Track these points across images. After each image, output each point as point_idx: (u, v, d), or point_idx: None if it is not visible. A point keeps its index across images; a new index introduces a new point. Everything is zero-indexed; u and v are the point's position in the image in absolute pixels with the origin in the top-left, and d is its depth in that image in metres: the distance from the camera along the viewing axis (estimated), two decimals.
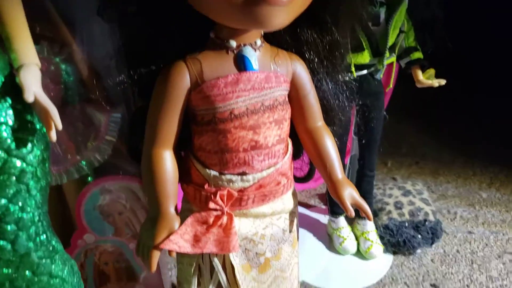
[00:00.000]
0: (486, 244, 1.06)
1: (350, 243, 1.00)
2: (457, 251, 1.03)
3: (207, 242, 0.52)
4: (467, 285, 0.93)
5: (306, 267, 0.96)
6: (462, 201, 1.24)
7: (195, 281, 0.59)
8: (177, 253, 0.62)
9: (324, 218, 1.13)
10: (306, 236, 1.07)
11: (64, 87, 0.55)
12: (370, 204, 1.00)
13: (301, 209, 1.18)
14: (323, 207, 1.20)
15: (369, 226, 1.01)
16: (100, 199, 0.62)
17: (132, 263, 0.68)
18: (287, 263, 0.62)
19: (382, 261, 0.99)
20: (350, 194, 0.56)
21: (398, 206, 1.05)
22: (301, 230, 1.07)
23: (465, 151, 1.52)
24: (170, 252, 0.51)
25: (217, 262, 0.57)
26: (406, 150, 1.55)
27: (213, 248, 0.53)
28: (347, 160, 1.06)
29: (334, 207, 1.02)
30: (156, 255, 0.50)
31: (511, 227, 1.13)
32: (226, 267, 0.58)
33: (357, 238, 1.02)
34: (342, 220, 1.03)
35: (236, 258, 0.57)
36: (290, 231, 0.62)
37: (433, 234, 1.01)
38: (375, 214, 1.06)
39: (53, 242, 0.47)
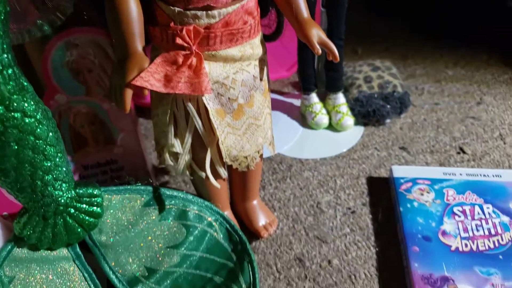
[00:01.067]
0: (451, 112, 1.11)
1: (322, 117, 1.03)
2: (424, 119, 1.08)
3: (178, 82, 0.53)
4: (432, 146, 0.99)
5: (280, 143, 1.00)
6: (429, 79, 1.28)
7: (171, 130, 0.61)
8: (152, 104, 0.64)
9: (297, 102, 1.16)
10: (280, 117, 1.10)
11: None
12: (340, 77, 1.03)
13: (275, 95, 1.20)
14: (296, 93, 1.22)
15: (340, 100, 1.04)
16: (67, 54, 0.62)
17: (108, 125, 0.69)
18: (260, 111, 0.64)
19: (353, 132, 1.03)
20: (316, 33, 0.57)
21: (368, 80, 1.08)
22: (275, 112, 1.10)
23: (434, 37, 1.54)
24: (143, 90, 0.51)
25: (191, 107, 0.58)
26: (377, 39, 1.55)
27: (185, 89, 0.54)
28: None
29: (306, 83, 1.04)
30: (128, 94, 0.51)
31: (473, 97, 1.18)
32: (200, 112, 0.60)
33: (329, 113, 1.05)
34: (314, 96, 1.06)
35: (209, 102, 0.59)
36: (261, 79, 0.63)
37: (401, 103, 1.05)
38: (346, 89, 1.08)
39: (22, 80, 0.47)
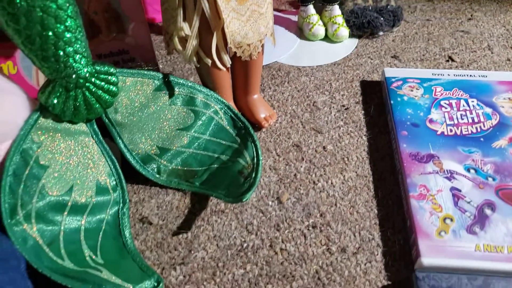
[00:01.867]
0: (442, 27, 1.15)
1: (319, 28, 1.07)
2: (416, 33, 1.13)
3: None
4: (423, 55, 1.04)
5: (278, 52, 1.04)
6: None
7: (180, 13, 0.65)
8: None
9: (294, 18, 1.19)
10: (278, 30, 1.13)
11: None
12: None
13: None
14: (294, 10, 1.25)
15: (336, 11, 1.08)
16: None
17: (120, 14, 0.72)
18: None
19: (348, 44, 1.08)
20: None
21: None
22: None
23: None
24: None
25: None
26: None
27: None
28: None
29: None
30: None
31: (464, 14, 1.21)
32: None
33: (325, 25, 1.09)
34: (311, 8, 1.09)
35: None
36: None
37: (394, 16, 1.09)
38: (341, 3, 1.11)
39: None
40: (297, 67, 1.00)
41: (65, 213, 0.59)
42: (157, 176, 0.71)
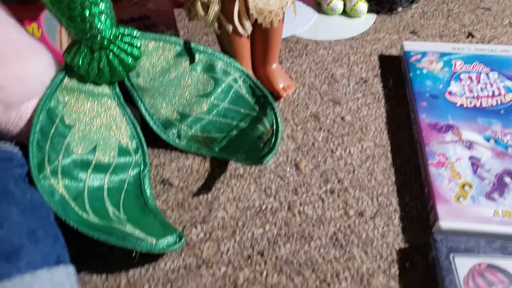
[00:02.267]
0: (462, 4, 1.14)
1: (337, 3, 1.06)
2: (435, 9, 1.12)
3: None
4: (442, 31, 1.03)
5: (296, 27, 1.04)
6: None
7: None
8: None
9: None
10: (296, 5, 1.13)
11: None
12: None
13: None
14: None
15: None
16: None
17: None
18: None
19: (366, 19, 1.07)
20: None
21: None
22: None
23: None
24: None
25: None
26: None
27: None
28: None
29: None
30: None
31: None
32: None
33: (343, 0, 1.08)
34: None
35: None
36: None
37: None
38: None
39: None
40: (315, 40, 1.00)
41: (89, 170, 0.61)
42: (177, 141, 0.72)
